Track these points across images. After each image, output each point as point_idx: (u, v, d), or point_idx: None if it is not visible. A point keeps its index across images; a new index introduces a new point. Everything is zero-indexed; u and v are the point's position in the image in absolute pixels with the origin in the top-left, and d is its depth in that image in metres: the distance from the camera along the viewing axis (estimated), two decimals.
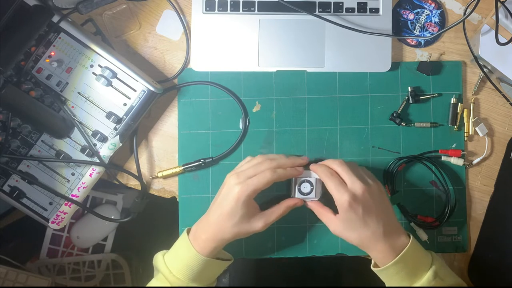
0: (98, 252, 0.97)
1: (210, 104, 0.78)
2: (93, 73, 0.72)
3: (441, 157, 0.78)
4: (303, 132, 0.78)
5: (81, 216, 0.97)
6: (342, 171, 0.68)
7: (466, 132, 0.78)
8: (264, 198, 0.73)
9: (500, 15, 0.72)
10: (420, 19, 0.79)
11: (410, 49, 0.79)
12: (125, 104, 0.73)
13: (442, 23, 0.79)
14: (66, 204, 0.73)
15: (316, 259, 0.78)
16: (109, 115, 0.73)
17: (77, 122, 0.72)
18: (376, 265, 0.69)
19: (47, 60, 0.72)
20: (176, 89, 0.78)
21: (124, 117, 0.73)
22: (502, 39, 0.73)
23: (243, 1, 0.77)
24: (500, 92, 0.78)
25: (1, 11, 0.66)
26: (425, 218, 0.77)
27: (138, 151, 0.78)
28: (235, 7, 0.77)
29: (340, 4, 0.77)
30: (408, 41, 0.79)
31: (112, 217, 0.92)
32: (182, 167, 0.77)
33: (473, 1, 0.77)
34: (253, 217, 0.68)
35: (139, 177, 0.77)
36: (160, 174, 0.77)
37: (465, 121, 0.78)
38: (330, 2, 0.77)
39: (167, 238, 0.78)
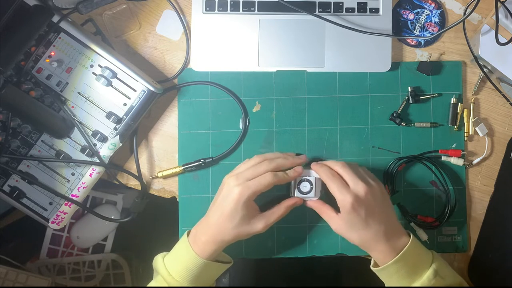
0: (98, 252, 0.97)
1: (210, 104, 0.78)
2: (93, 73, 0.72)
3: (441, 157, 0.78)
4: (303, 132, 0.78)
5: (81, 216, 0.97)
6: (345, 172, 0.68)
7: (466, 132, 0.78)
8: (264, 198, 0.73)
9: (500, 15, 0.72)
10: (420, 19, 0.79)
11: (410, 49, 0.79)
12: (125, 104, 0.73)
13: (442, 23, 0.79)
14: (66, 204, 0.73)
15: (316, 259, 0.78)
16: (109, 115, 0.73)
17: (77, 122, 0.72)
18: (375, 265, 0.69)
19: (47, 60, 0.72)
20: (176, 89, 0.78)
21: (124, 117, 0.73)
22: (502, 39, 0.73)
23: (243, 1, 0.77)
24: (500, 92, 0.78)
25: (1, 11, 0.66)
26: (425, 218, 0.77)
27: (138, 151, 0.78)
28: (235, 7, 0.77)
29: (340, 4, 0.77)
30: (408, 41, 0.79)
31: (112, 217, 0.92)
32: (182, 167, 0.77)
33: (473, 1, 0.77)
34: (253, 218, 0.68)
35: (139, 177, 0.77)
36: (160, 174, 0.77)
37: (465, 121, 0.78)
38: (330, 2, 0.77)
39: (167, 238, 0.78)
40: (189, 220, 0.77)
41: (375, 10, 0.78)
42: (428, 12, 0.79)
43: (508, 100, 0.78)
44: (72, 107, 0.73)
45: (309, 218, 0.77)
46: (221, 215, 0.67)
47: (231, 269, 0.72)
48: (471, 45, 0.77)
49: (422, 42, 0.79)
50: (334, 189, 0.67)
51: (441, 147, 0.78)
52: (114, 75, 0.72)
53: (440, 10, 0.79)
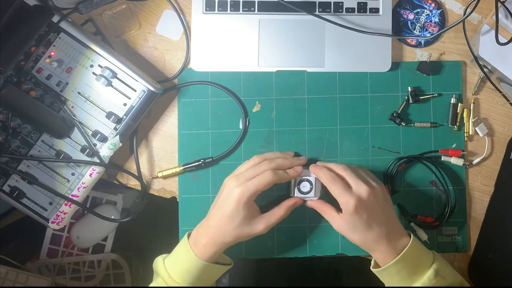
0: (98, 252, 0.97)
1: (210, 104, 0.78)
2: (93, 73, 0.72)
3: (441, 157, 0.78)
4: (303, 132, 0.78)
5: (81, 216, 0.97)
6: (346, 174, 0.68)
7: (466, 132, 0.78)
8: (265, 199, 0.73)
9: (500, 15, 0.72)
10: (420, 19, 0.79)
11: (410, 49, 0.79)
12: (125, 104, 0.73)
13: (442, 23, 0.79)
14: (66, 204, 0.73)
15: (316, 259, 0.78)
16: (109, 115, 0.73)
17: (77, 122, 0.72)
18: (376, 266, 0.69)
19: (47, 60, 0.72)
20: (176, 89, 0.78)
21: (124, 117, 0.73)
22: (502, 39, 0.73)
23: (243, 1, 0.77)
24: (500, 92, 0.78)
25: (1, 11, 0.66)
26: (425, 218, 0.77)
27: (138, 151, 0.78)
28: (235, 7, 0.77)
29: (340, 4, 0.77)
30: (408, 41, 0.79)
31: (112, 217, 0.92)
32: (182, 167, 0.77)
33: (473, 1, 0.77)
34: (253, 219, 0.68)
35: (139, 177, 0.77)
36: (160, 174, 0.77)
37: (465, 121, 0.78)
38: (330, 2, 0.77)
39: (167, 238, 0.78)
40: (189, 220, 0.77)
41: (375, 10, 0.78)
42: (428, 12, 0.79)
43: (508, 100, 0.78)
44: (72, 107, 0.73)
45: (309, 218, 0.77)
46: (222, 217, 0.67)
47: (231, 269, 0.72)
48: (471, 45, 0.77)
49: (422, 42, 0.79)
50: (336, 192, 0.67)
51: (441, 147, 0.78)
52: (114, 75, 0.72)
53: (440, 10, 0.79)
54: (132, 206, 0.80)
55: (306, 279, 1.00)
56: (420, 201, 0.78)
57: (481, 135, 0.78)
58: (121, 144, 0.74)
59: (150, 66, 0.79)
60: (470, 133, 0.78)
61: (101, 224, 0.94)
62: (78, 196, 0.74)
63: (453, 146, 0.78)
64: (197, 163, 0.76)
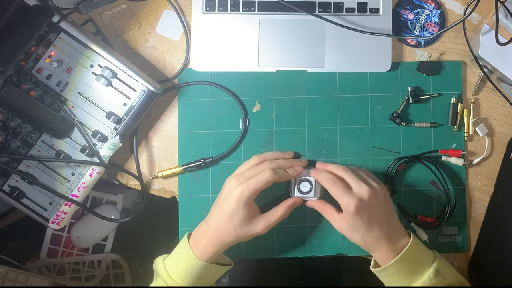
0: (98, 252, 0.97)
1: (210, 104, 0.78)
2: (93, 73, 0.72)
3: (441, 157, 0.78)
4: (303, 132, 0.78)
5: (81, 216, 0.97)
6: (346, 176, 0.68)
7: (466, 132, 0.78)
8: (265, 199, 0.73)
9: (500, 15, 0.72)
10: (420, 19, 0.79)
11: (410, 49, 0.79)
12: (125, 104, 0.73)
13: (442, 23, 0.79)
14: (66, 204, 0.73)
15: (316, 259, 0.78)
16: (109, 115, 0.73)
17: (77, 122, 0.72)
18: (375, 266, 0.69)
19: (47, 60, 0.72)
20: (176, 89, 0.78)
21: (124, 117, 0.73)
22: (502, 39, 0.73)
23: (243, 1, 0.77)
24: (500, 92, 0.78)
25: (1, 11, 0.66)
26: (425, 218, 0.77)
27: (138, 151, 0.78)
28: (235, 7, 0.77)
29: (340, 4, 0.77)
30: (408, 41, 0.79)
31: (112, 217, 0.92)
32: (182, 167, 0.77)
33: (473, 1, 0.77)
34: (253, 219, 0.68)
35: (139, 177, 0.77)
36: (160, 174, 0.77)
37: (465, 121, 0.78)
38: (330, 2, 0.77)
39: (167, 238, 0.78)
40: (189, 220, 0.77)
41: (375, 10, 0.78)
42: (428, 12, 0.79)
43: (508, 100, 0.78)
44: (72, 107, 0.73)
45: (309, 218, 0.77)
46: (222, 216, 0.67)
47: (231, 269, 0.72)
48: (471, 45, 0.77)
49: (422, 42, 0.79)
50: (337, 194, 0.67)
51: (441, 147, 0.78)
52: (114, 75, 0.72)
53: (440, 10, 0.79)
54: (132, 206, 0.80)
55: (306, 279, 1.00)
56: (420, 201, 0.78)
57: (481, 135, 0.78)
58: (121, 144, 0.74)
59: (150, 66, 0.79)
60: (470, 133, 0.78)
61: (101, 224, 0.94)
62: (78, 196, 0.74)
63: (453, 146, 0.78)
64: (197, 163, 0.76)
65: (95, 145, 0.73)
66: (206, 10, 0.77)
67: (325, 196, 0.72)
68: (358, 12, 0.77)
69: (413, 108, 0.78)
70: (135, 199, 0.79)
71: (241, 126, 0.78)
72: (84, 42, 0.71)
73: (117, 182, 0.79)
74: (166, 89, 0.77)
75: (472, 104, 0.78)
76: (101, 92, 0.73)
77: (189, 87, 0.78)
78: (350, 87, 0.78)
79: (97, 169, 0.74)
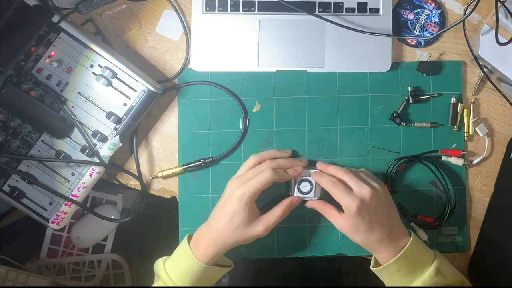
0: (98, 252, 0.97)
1: (210, 104, 0.78)
2: (93, 73, 0.72)
3: (441, 157, 0.78)
4: (303, 132, 0.78)
5: (81, 216, 0.97)
6: (347, 177, 0.68)
7: (466, 132, 0.78)
8: (265, 199, 0.73)
9: (500, 15, 0.72)
10: (420, 19, 0.79)
11: (410, 49, 0.79)
12: (125, 104, 0.73)
13: (442, 23, 0.79)
14: (66, 204, 0.73)
15: (316, 259, 0.78)
16: (109, 115, 0.73)
17: (77, 122, 0.72)
18: (376, 265, 0.69)
19: (47, 60, 0.72)
20: (176, 89, 0.78)
21: (124, 117, 0.73)
22: (502, 39, 0.73)
23: (243, 1, 0.77)
24: (500, 92, 0.78)
25: (1, 11, 0.66)
26: (425, 218, 0.77)
27: (138, 151, 0.78)
28: (235, 7, 0.77)
29: (340, 4, 0.77)
30: (408, 41, 0.79)
31: (112, 217, 0.92)
32: (182, 167, 0.77)
33: (473, 1, 0.77)
34: (253, 221, 0.68)
35: (139, 177, 0.77)
36: (160, 174, 0.77)
37: (465, 121, 0.78)
38: (330, 2, 0.77)
39: (167, 238, 0.78)
40: (189, 220, 0.77)
41: (375, 10, 0.78)
42: (428, 12, 0.79)
43: (508, 100, 0.78)
44: (72, 107, 0.73)
45: (309, 218, 0.77)
46: (223, 218, 0.67)
47: (231, 269, 0.72)
48: (471, 45, 0.77)
49: (422, 42, 0.79)
50: (338, 195, 0.67)
51: (441, 147, 0.78)
52: (114, 75, 0.72)
53: (440, 10, 0.79)
54: (132, 206, 0.80)
55: (306, 279, 1.00)
56: (420, 201, 0.78)
57: (481, 135, 0.78)
58: (121, 144, 0.74)
59: (150, 66, 0.79)
60: (470, 133, 0.78)
61: (101, 224, 0.94)
62: (78, 196, 0.74)
63: (453, 146, 0.78)
64: (197, 163, 0.76)
65: (95, 145, 0.73)
66: (206, 10, 0.77)
67: (325, 196, 0.72)
68: (358, 12, 0.77)
69: (413, 108, 0.78)
70: (135, 199, 0.79)
71: (241, 126, 0.78)
72: (84, 42, 0.71)
73: (117, 182, 0.79)
74: (166, 89, 0.77)
75: (472, 104, 0.78)
76: (101, 92, 0.73)
77: (189, 87, 0.78)
78: (350, 87, 0.78)
79: (97, 169, 0.74)
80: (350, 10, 0.77)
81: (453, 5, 0.80)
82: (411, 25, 0.79)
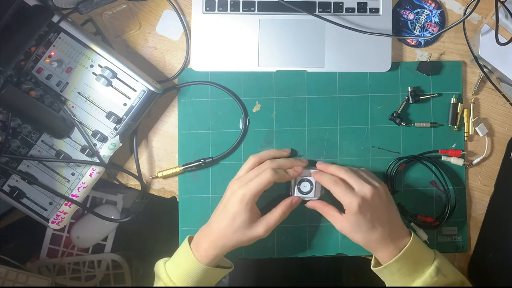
0: (98, 252, 0.97)
1: (210, 104, 0.78)
2: (93, 73, 0.72)
3: (441, 157, 0.78)
4: (303, 132, 0.78)
5: (81, 216, 0.97)
6: (349, 177, 0.68)
7: (466, 132, 0.78)
8: (265, 199, 0.73)
9: (500, 15, 0.72)
10: (420, 19, 0.79)
11: (410, 49, 0.79)
12: (125, 104, 0.73)
13: (442, 23, 0.79)
14: (66, 204, 0.73)
15: (316, 259, 0.78)
16: (109, 115, 0.73)
17: (77, 122, 0.72)
18: (376, 265, 0.69)
19: (47, 60, 0.72)
20: (176, 89, 0.78)
21: (124, 117, 0.73)
22: (502, 39, 0.73)
23: (243, 1, 0.77)
24: (500, 92, 0.78)
25: (1, 11, 0.66)
26: (425, 218, 0.77)
27: (138, 151, 0.78)
28: (235, 7, 0.77)
29: (340, 4, 0.77)
30: (408, 41, 0.79)
31: (112, 217, 0.92)
32: (182, 167, 0.77)
33: (473, 1, 0.77)
34: (254, 222, 0.68)
35: (139, 177, 0.77)
36: (160, 174, 0.77)
37: (465, 121, 0.78)
38: (330, 2, 0.77)
39: (167, 238, 0.78)
40: (189, 220, 0.77)
41: (375, 10, 0.78)
42: (428, 12, 0.79)
43: (508, 100, 0.78)
44: (72, 107, 0.73)
45: (309, 218, 0.77)
46: (224, 219, 0.67)
47: None
48: (471, 45, 0.77)
49: (422, 42, 0.79)
50: (340, 193, 0.67)
51: (441, 147, 0.78)
52: (114, 75, 0.72)
53: (440, 10, 0.79)
54: (132, 206, 0.80)
55: (306, 279, 1.00)
56: (420, 201, 0.78)
57: (481, 135, 0.78)
58: (121, 144, 0.74)
59: (150, 66, 0.79)
60: (470, 133, 0.78)
61: (101, 224, 0.94)
62: (78, 196, 0.74)
63: (453, 146, 0.78)
64: (197, 163, 0.76)
65: (95, 145, 0.73)
66: (206, 10, 0.77)
67: (325, 196, 0.72)
68: (358, 12, 0.77)
69: (413, 108, 0.78)
70: (135, 199, 0.79)
71: (241, 126, 0.78)
72: (84, 42, 0.71)
73: (117, 182, 0.79)
74: (166, 89, 0.77)
75: (472, 104, 0.78)
76: (101, 92, 0.73)
77: (189, 87, 0.78)
78: (350, 87, 0.78)
79: (97, 169, 0.74)
80: (350, 10, 0.77)
81: (453, 5, 0.80)
82: (411, 25, 0.79)
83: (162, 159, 0.79)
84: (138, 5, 0.79)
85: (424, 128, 0.78)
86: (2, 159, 0.72)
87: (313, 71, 0.78)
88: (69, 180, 0.73)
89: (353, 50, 0.77)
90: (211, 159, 0.77)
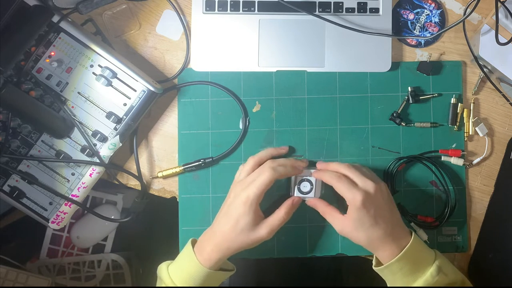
0: (98, 252, 0.97)
1: (210, 104, 0.78)
2: (93, 73, 0.72)
3: (441, 157, 0.78)
4: (303, 132, 0.78)
5: (81, 216, 0.97)
6: (351, 173, 0.68)
7: (466, 132, 0.78)
8: (266, 200, 0.73)
9: (500, 15, 0.72)
10: (420, 19, 0.79)
11: (410, 49, 0.79)
12: (125, 104, 0.73)
13: (442, 23, 0.79)
14: (66, 204, 0.73)
15: (316, 259, 0.78)
16: (109, 115, 0.73)
17: (77, 122, 0.72)
18: (377, 265, 0.69)
19: (47, 60, 0.72)
20: (176, 89, 0.78)
21: (124, 117, 0.73)
22: (502, 39, 0.73)
23: (243, 1, 0.77)
24: (500, 92, 0.78)
25: (1, 11, 0.66)
26: (425, 218, 0.77)
27: (138, 151, 0.78)
28: (235, 7, 0.77)
29: (340, 4, 0.77)
30: (408, 41, 0.79)
31: (112, 217, 0.92)
32: (182, 167, 0.77)
33: (473, 1, 0.77)
34: (258, 224, 0.68)
35: (139, 177, 0.77)
36: (160, 174, 0.77)
37: (465, 121, 0.78)
38: (330, 2, 0.77)
39: (167, 238, 0.78)
40: (189, 220, 0.77)
41: (375, 10, 0.78)
42: (428, 12, 0.79)
43: (508, 100, 0.78)
44: (72, 107, 0.73)
45: (309, 218, 0.77)
46: (228, 222, 0.67)
47: None
48: (471, 45, 0.77)
49: (422, 42, 0.79)
50: (343, 189, 0.67)
51: (441, 147, 0.78)
52: (114, 75, 0.72)
53: (440, 10, 0.79)
54: (132, 206, 0.80)
55: (306, 279, 1.00)
56: (420, 201, 0.78)
57: (481, 135, 0.78)
58: (121, 144, 0.74)
59: (150, 66, 0.79)
60: (470, 133, 0.78)
61: (101, 224, 0.94)
62: (78, 196, 0.74)
63: (453, 146, 0.78)
64: (197, 163, 0.76)
65: (95, 145, 0.73)
66: (206, 10, 0.77)
67: (326, 197, 0.72)
68: (358, 12, 0.77)
69: (413, 108, 0.78)
70: (135, 199, 0.79)
71: (241, 126, 0.78)
72: (84, 42, 0.71)
73: (117, 182, 0.79)
74: (166, 89, 0.77)
75: (472, 104, 0.78)
76: (101, 92, 0.73)
77: (189, 87, 0.78)
78: (350, 87, 0.78)
79: (97, 169, 0.74)
80: (350, 10, 0.77)
81: (453, 5, 0.80)
82: (411, 25, 0.79)
83: (162, 159, 0.79)
84: (138, 5, 0.79)
85: (424, 128, 0.78)
86: (2, 159, 0.72)
87: (313, 71, 0.78)
88: (69, 180, 0.73)
89: (353, 50, 0.77)
90: (211, 159, 0.77)
